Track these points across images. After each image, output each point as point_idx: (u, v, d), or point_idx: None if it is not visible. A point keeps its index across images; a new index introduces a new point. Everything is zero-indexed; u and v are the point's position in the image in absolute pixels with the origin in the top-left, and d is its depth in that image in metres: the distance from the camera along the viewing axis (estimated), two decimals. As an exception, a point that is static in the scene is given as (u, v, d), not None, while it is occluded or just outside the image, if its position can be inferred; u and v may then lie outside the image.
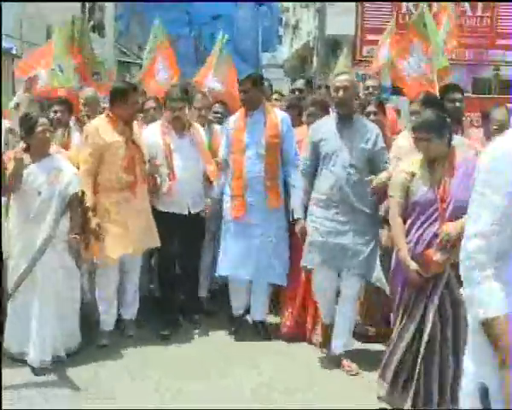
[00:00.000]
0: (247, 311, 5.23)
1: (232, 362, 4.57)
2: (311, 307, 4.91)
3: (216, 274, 5.17)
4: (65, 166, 4.49)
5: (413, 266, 3.67)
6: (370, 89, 6.34)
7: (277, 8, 19.39)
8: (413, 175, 3.78)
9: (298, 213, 4.65)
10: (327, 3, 12.34)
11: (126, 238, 4.77)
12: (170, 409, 3.89)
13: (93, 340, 4.77)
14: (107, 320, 4.91)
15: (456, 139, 4.02)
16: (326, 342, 4.66)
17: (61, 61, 6.24)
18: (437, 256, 3.61)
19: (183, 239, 5.16)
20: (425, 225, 3.69)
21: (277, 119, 5.05)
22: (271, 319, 5.30)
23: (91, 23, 10.85)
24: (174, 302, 5.25)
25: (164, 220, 5.02)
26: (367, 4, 12.46)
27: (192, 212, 5.13)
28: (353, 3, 12.38)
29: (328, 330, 4.68)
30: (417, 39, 6.02)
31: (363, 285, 4.60)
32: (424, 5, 6.27)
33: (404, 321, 3.78)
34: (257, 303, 5.14)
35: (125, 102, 4.84)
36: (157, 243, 4.98)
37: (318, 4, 12.14)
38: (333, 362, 4.52)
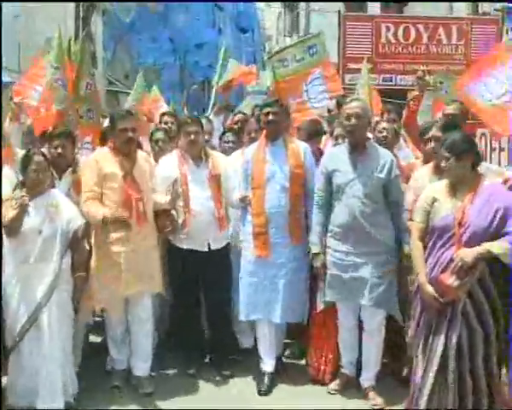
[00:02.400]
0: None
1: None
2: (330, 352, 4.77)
3: (242, 319, 4.80)
4: (63, 201, 4.28)
5: (430, 291, 3.74)
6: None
7: (260, 35, 19.77)
8: (434, 201, 3.81)
9: (315, 248, 4.50)
10: (309, 32, 12.66)
11: (119, 281, 4.42)
12: None
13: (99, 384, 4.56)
14: (120, 360, 4.68)
15: (484, 166, 4.03)
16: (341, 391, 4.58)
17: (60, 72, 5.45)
18: (451, 281, 3.64)
19: (207, 280, 4.82)
20: (442, 250, 3.73)
21: (299, 149, 4.77)
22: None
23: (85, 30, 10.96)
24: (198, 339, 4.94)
25: (181, 258, 4.75)
26: (349, 33, 12.82)
27: (213, 248, 4.80)
28: (336, 31, 12.72)
29: (346, 381, 4.61)
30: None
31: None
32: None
33: (426, 352, 3.80)
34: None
35: (113, 129, 4.57)
36: (159, 288, 4.66)
37: (302, 33, 12.43)
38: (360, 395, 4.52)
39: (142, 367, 4.64)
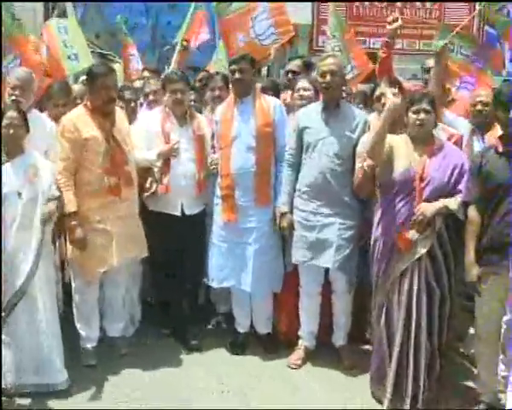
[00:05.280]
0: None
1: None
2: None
3: (214, 286, 4.67)
4: (42, 164, 4.00)
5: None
6: None
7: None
8: (391, 149, 3.78)
9: (283, 208, 4.40)
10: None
11: (109, 250, 4.23)
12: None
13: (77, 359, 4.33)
14: (89, 336, 4.41)
15: None
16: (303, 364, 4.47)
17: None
18: (411, 235, 3.69)
19: (181, 245, 4.57)
20: (401, 204, 3.76)
21: (269, 105, 4.55)
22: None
23: (56, 12, 10.72)
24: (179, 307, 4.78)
25: (155, 222, 4.52)
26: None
27: (187, 213, 4.59)
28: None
29: (306, 355, 4.50)
30: None
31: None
32: None
33: (385, 316, 3.87)
34: (260, 315, 4.71)
35: (93, 86, 4.28)
36: (145, 252, 4.47)
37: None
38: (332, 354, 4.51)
39: (115, 328, 4.55)
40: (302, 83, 4.78)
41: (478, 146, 4.46)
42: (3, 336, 3.79)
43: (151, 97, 5.18)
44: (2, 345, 3.76)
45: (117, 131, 4.33)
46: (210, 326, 5.08)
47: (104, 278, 4.46)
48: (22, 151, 3.94)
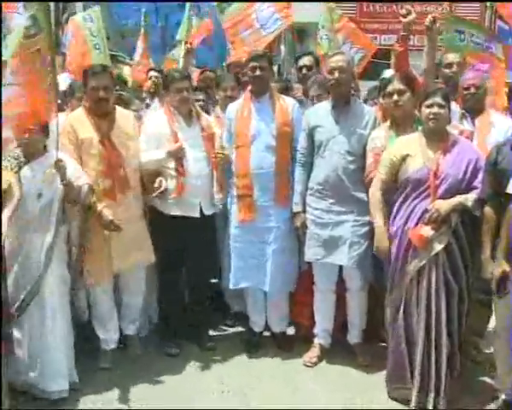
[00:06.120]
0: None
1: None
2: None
3: (231, 287, 4.59)
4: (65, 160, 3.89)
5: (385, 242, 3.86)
6: None
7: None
8: (405, 157, 3.80)
9: (296, 208, 4.39)
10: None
11: (107, 256, 4.19)
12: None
13: (96, 363, 4.36)
14: (106, 339, 4.41)
15: None
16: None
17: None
18: (426, 231, 3.68)
19: (194, 247, 4.47)
20: (415, 202, 3.75)
21: (287, 105, 4.51)
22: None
23: (66, 15, 10.79)
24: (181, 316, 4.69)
25: (170, 226, 4.38)
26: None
27: (206, 214, 4.49)
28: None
29: (321, 353, 4.50)
30: None
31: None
32: None
33: (404, 314, 3.86)
34: (276, 314, 4.69)
35: (85, 86, 4.26)
36: (150, 258, 4.40)
37: (285, -8, 12.30)
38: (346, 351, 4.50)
39: (130, 328, 4.54)
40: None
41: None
42: (16, 333, 3.80)
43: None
44: (15, 343, 3.78)
45: (116, 133, 4.24)
46: (225, 326, 5.06)
47: (119, 284, 4.44)
48: (43, 153, 3.92)
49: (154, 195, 4.32)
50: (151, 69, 6.66)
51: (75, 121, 4.19)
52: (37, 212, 3.83)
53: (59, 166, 3.78)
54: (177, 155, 4.35)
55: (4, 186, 3.60)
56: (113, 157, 4.18)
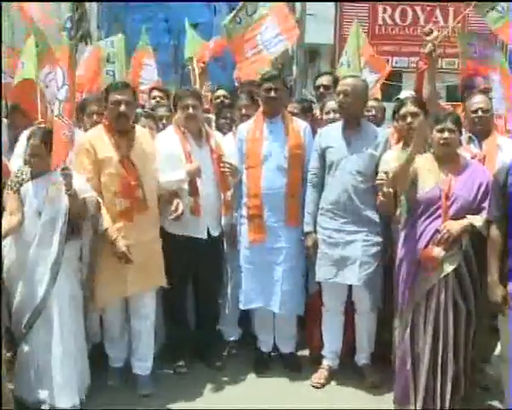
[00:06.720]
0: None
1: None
2: None
3: (241, 307, 4.59)
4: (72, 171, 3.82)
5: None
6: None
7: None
8: (416, 175, 3.79)
9: (307, 228, 4.38)
10: (306, 14, 12.64)
11: (120, 278, 4.06)
12: None
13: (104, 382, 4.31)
14: (114, 357, 4.37)
15: None
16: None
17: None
18: (437, 252, 3.67)
19: (201, 268, 4.49)
20: (426, 222, 3.75)
21: (299, 127, 4.53)
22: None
23: (80, 33, 10.92)
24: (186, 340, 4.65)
25: (177, 246, 4.33)
26: (345, 14, 12.75)
27: (212, 235, 4.48)
28: (332, 13, 12.66)
29: (330, 374, 4.46)
30: None
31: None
32: None
33: (410, 335, 3.83)
34: (284, 334, 4.66)
35: (106, 101, 4.15)
36: (163, 281, 4.27)
37: (297, 14, 12.40)
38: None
39: (141, 366, 4.30)
40: (331, 104, 4.79)
41: None
42: (25, 349, 3.81)
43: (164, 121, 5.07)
44: (23, 354, 3.81)
45: (136, 153, 4.14)
46: (224, 353, 4.90)
47: (129, 309, 4.32)
48: (48, 169, 3.86)
49: (171, 217, 4.23)
50: (154, 88, 6.46)
51: (95, 140, 4.09)
52: (38, 229, 3.80)
53: (65, 173, 3.72)
54: (195, 176, 4.31)
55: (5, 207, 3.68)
56: (131, 177, 4.06)
